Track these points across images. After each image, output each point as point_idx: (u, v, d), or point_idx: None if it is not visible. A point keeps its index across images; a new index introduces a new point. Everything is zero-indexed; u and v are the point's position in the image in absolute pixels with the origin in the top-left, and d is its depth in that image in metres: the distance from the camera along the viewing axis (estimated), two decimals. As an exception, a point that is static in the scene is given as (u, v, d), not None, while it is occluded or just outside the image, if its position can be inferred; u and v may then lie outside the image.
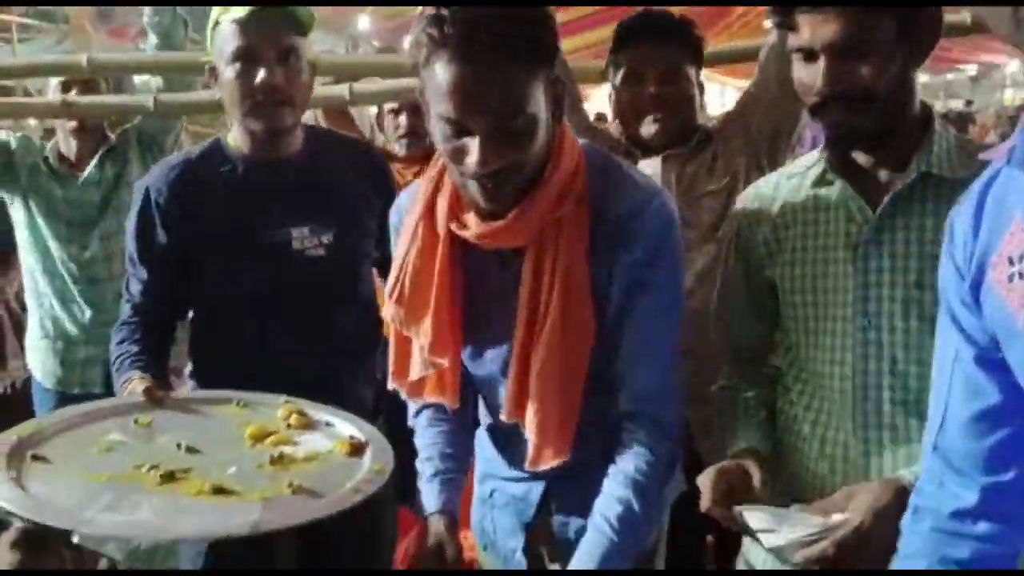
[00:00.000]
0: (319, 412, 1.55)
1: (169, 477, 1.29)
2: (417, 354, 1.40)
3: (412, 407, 1.53)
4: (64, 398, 2.63)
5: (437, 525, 1.39)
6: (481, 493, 1.61)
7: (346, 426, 1.50)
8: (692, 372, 1.53)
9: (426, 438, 1.51)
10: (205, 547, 1.69)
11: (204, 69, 1.78)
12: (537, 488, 1.50)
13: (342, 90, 2.42)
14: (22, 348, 2.93)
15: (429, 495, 1.44)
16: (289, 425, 1.50)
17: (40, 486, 1.24)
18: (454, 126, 1.22)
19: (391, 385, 1.48)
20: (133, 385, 1.63)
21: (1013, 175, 0.91)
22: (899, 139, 1.32)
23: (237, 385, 1.63)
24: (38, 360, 2.75)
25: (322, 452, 1.42)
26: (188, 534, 1.21)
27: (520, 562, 1.53)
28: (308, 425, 1.51)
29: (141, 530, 1.18)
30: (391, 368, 1.47)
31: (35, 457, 1.30)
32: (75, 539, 1.16)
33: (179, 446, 1.40)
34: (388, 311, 1.42)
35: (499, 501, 1.56)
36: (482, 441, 1.58)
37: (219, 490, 1.26)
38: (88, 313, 2.65)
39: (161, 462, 1.32)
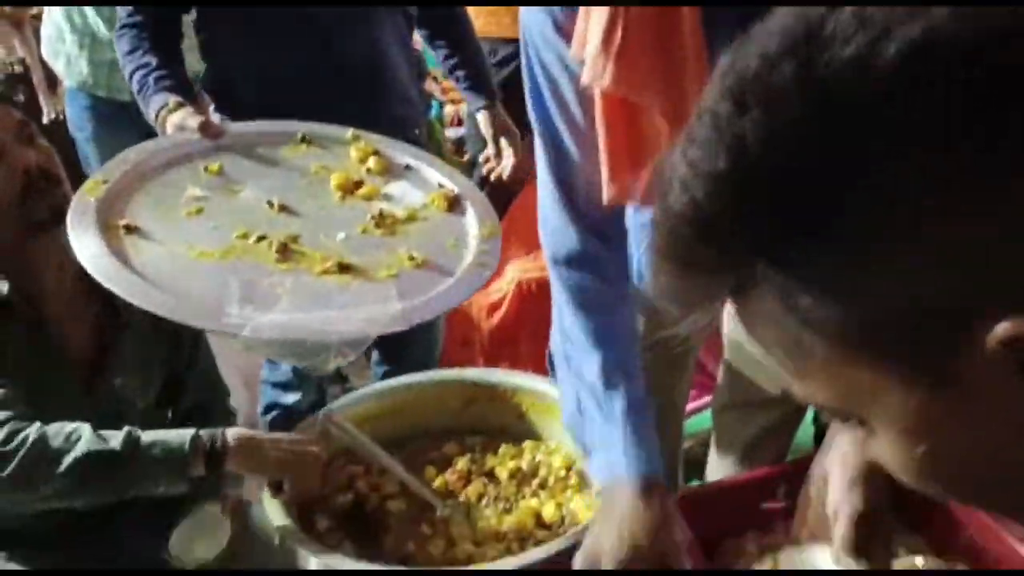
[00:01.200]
0: (390, 149, 1.51)
1: (284, 250, 1.25)
2: None
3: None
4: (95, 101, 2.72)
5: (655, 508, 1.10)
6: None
7: (427, 170, 1.49)
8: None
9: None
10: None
11: None
12: None
13: None
14: None
15: (621, 444, 1.13)
16: (369, 170, 1.47)
17: (153, 270, 1.20)
18: None
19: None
20: (179, 117, 1.59)
21: None
22: None
23: (269, 84, 1.58)
24: (64, 60, 2.77)
25: (420, 209, 1.39)
26: (349, 332, 1.20)
27: None
28: (388, 169, 1.48)
29: (303, 331, 1.17)
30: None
31: (127, 229, 1.25)
32: (244, 333, 1.16)
33: (271, 205, 1.36)
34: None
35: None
36: None
37: (344, 267, 1.25)
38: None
39: (263, 229, 1.28)
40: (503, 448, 1.71)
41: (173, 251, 1.27)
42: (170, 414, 1.71)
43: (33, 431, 1.34)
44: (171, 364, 1.64)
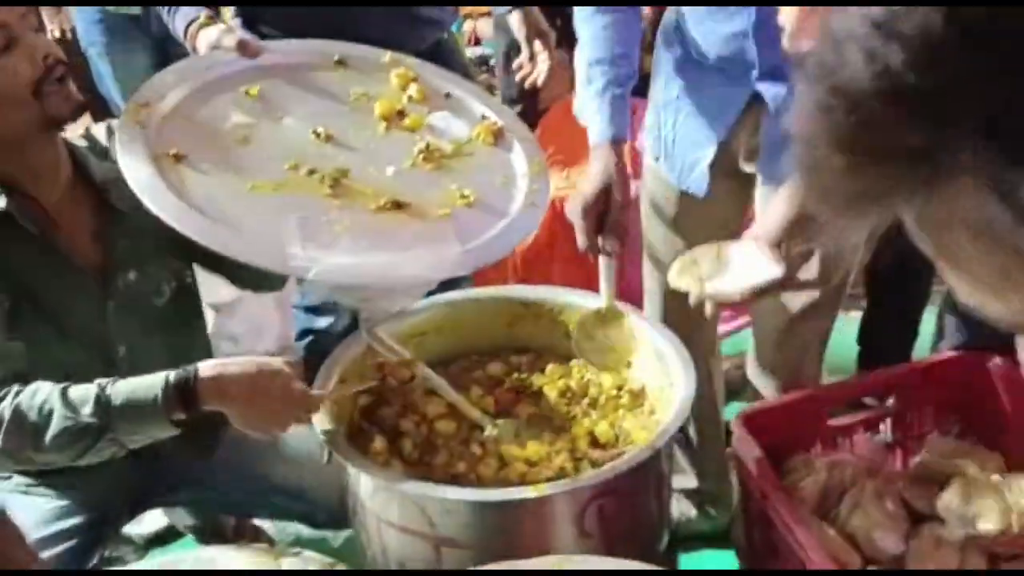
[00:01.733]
0: (430, 75, 1.50)
1: (336, 184, 1.23)
2: None
3: None
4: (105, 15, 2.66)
5: (609, 157, 1.37)
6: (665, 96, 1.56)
7: (469, 99, 1.48)
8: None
9: (591, 30, 1.42)
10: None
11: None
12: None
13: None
14: None
15: (595, 114, 1.39)
16: (411, 98, 1.46)
17: (209, 203, 1.15)
18: None
19: None
20: (213, 35, 1.54)
21: None
22: None
23: None
24: None
25: (465, 143, 1.39)
26: (415, 277, 1.21)
27: (704, 174, 1.54)
28: (429, 98, 1.47)
29: (370, 275, 1.16)
30: None
31: (177, 158, 1.20)
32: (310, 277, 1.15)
33: (317, 135, 1.33)
34: None
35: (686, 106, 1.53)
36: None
37: (398, 204, 1.24)
38: None
39: (313, 161, 1.26)
40: (550, 367, 1.65)
41: (226, 183, 1.21)
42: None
43: (7, 408, 1.28)
44: (180, 258, 1.58)
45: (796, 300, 1.57)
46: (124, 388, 1.32)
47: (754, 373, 1.77)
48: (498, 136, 1.47)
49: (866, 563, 1.25)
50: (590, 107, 1.42)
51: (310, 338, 2.25)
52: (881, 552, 1.26)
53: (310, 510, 1.69)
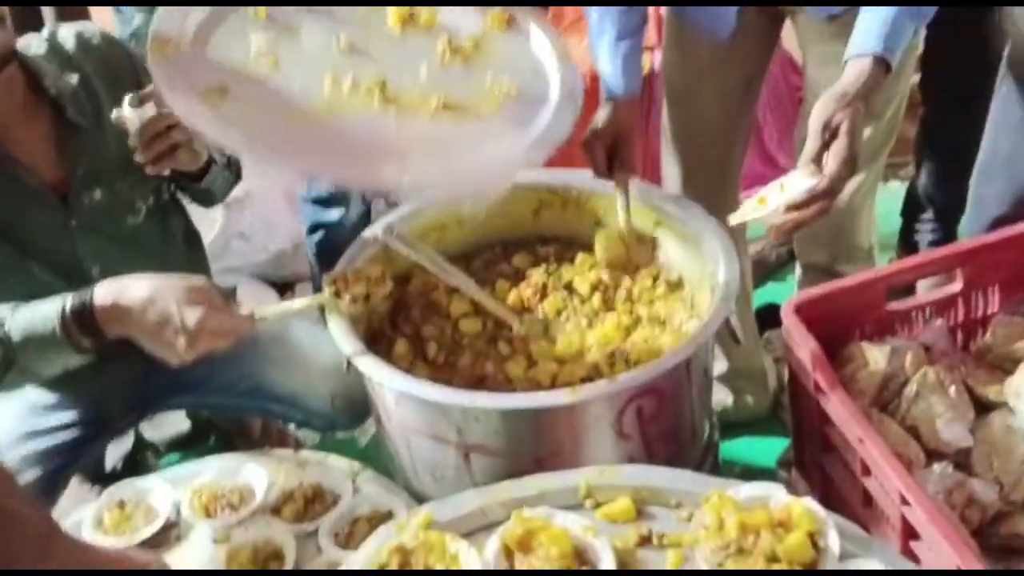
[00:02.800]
0: None
1: (383, 91, 1.19)
2: None
3: None
4: None
5: (619, 111, 1.42)
6: None
7: None
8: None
9: None
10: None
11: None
12: None
13: None
14: None
15: (607, 64, 1.43)
16: None
17: (276, 134, 1.09)
18: None
19: None
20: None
21: None
22: None
23: None
24: None
25: (482, 36, 1.34)
26: (502, 175, 1.20)
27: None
28: None
29: (463, 179, 1.13)
30: None
31: (220, 93, 1.12)
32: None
33: (338, 43, 1.25)
34: None
35: None
36: None
37: (448, 106, 1.21)
38: None
39: (346, 74, 1.19)
40: (580, 257, 1.54)
41: (279, 110, 1.13)
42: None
43: None
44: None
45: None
46: (22, 319, 1.24)
47: (802, 248, 1.65)
48: (511, 23, 1.37)
49: (929, 457, 1.16)
50: (602, 57, 1.44)
51: (321, 232, 2.14)
52: (946, 444, 1.16)
53: (305, 417, 1.64)
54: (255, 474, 1.40)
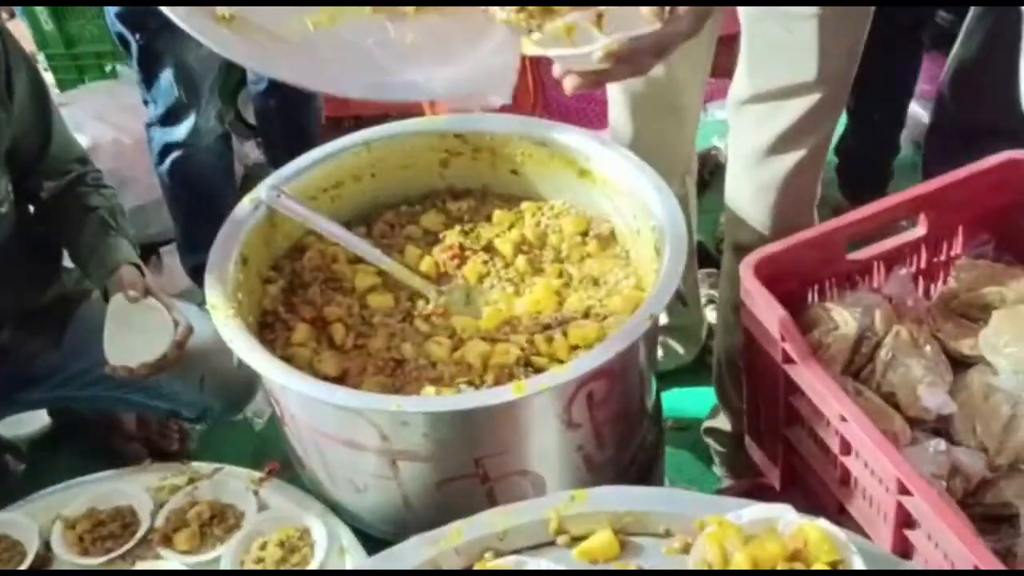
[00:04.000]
0: None
1: None
2: None
3: None
4: None
5: None
6: None
7: None
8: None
9: None
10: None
11: None
12: None
13: None
14: None
15: None
16: None
17: (298, 53, 0.91)
18: None
19: None
20: None
21: None
22: None
23: None
24: None
25: None
26: (514, 70, 0.92)
27: None
28: None
29: (484, 77, 0.91)
30: None
31: (226, 20, 0.91)
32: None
33: None
34: None
35: None
36: None
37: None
38: None
39: None
40: (497, 214, 1.36)
41: (287, 31, 0.90)
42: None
43: None
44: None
45: (781, 116, 1.28)
46: None
47: (731, 227, 1.47)
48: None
49: (912, 426, 1.06)
50: None
51: (174, 155, 1.87)
52: (927, 411, 1.06)
53: (171, 406, 1.44)
54: (136, 495, 1.19)
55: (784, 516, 0.74)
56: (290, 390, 1.04)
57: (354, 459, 1.08)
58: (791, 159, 1.32)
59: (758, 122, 1.32)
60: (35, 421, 1.75)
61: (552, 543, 0.79)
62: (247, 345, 1.06)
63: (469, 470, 1.06)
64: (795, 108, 1.28)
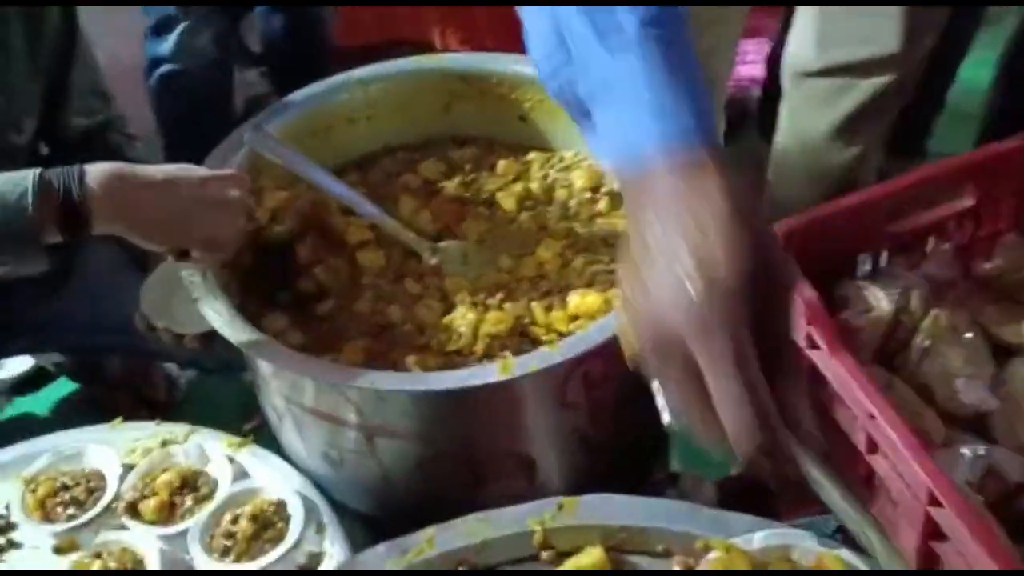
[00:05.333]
0: None
1: None
2: None
3: None
4: None
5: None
6: None
7: None
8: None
9: None
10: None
11: None
12: None
13: None
14: None
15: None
16: None
17: None
18: None
19: None
20: None
21: None
22: None
23: None
24: None
25: None
26: None
27: None
28: None
29: None
30: None
31: None
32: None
33: None
34: None
35: None
36: None
37: None
38: None
39: None
40: (502, 164, 1.25)
41: None
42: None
43: None
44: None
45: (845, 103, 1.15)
46: None
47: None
48: None
49: (946, 422, 0.95)
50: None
51: (161, 70, 1.76)
52: (963, 407, 0.95)
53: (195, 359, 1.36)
54: (104, 457, 1.11)
55: (801, 544, 0.65)
56: (261, 364, 0.96)
57: (330, 432, 0.99)
58: (855, 147, 1.19)
59: (825, 100, 1.19)
60: (17, 364, 1.68)
61: (535, 557, 0.70)
62: (213, 304, 0.97)
63: (454, 450, 0.97)
64: (867, 88, 1.16)
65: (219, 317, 0.95)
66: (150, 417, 1.16)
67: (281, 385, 0.99)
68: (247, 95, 2.21)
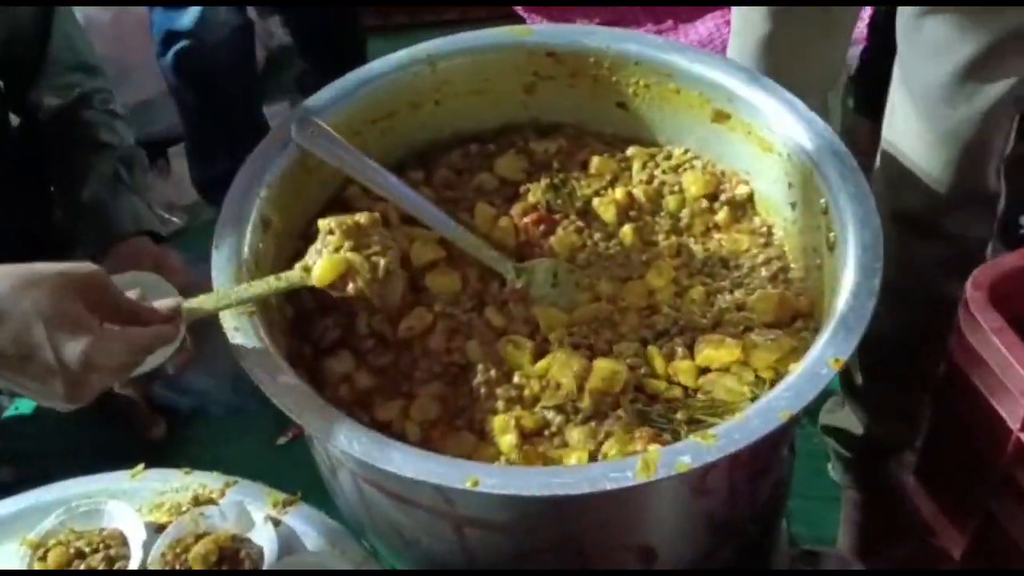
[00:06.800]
0: None
1: None
2: None
3: None
4: None
5: None
6: None
7: None
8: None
9: None
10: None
11: None
12: None
13: None
14: None
15: None
16: None
17: None
18: None
19: None
20: None
21: None
22: None
23: None
24: None
25: None
26: None
27: None
28: None
29: None
30: None
31: None
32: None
33: None
34: None
35: None
36: None
37: None
38: None
39: None
40: (596, 161, 1.03)
41: None
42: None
43: None
44: None
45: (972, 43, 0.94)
46: None
47: (886, 188, 1.11)
48: None
49: None
50: None
51: (179, 46, 1.52)
52: None
53: (198, 404, 1.19)
54: (125, 517, 0.93)
55: None
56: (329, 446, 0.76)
57: (406, 514, 0.81)
58: (989, 95, 0.97)
59: (947, 42, 0.97)
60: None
61: None
62: (262, 362, 0.77)
63: (558, 544, 0.78)
64: (1000, 23, 0.94)
65: (268, 382, 0.75)
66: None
67: (353, 465, 0.80)
68: (268, 46, 1.98)
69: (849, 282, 0.79)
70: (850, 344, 0.74)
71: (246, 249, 0.87)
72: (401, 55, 1.01)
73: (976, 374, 0.77)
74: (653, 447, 0.74)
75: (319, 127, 0.94)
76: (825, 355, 0.74)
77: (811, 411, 1.38)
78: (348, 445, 0.71)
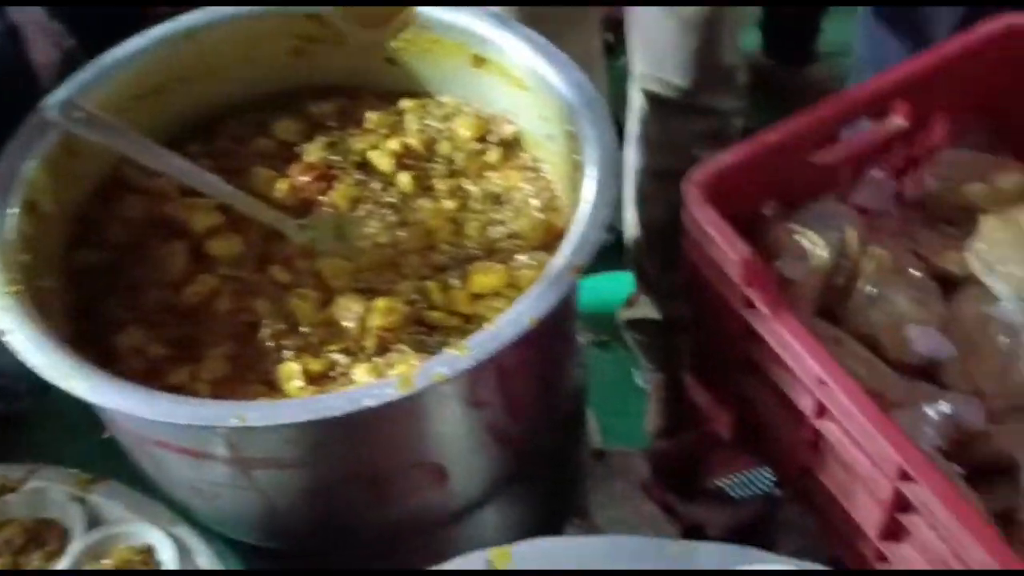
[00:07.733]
0: None
1: None
2: None
3: None
4: None
5: None
6: None
7: None
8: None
9: None
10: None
11: None
12: None
13: None
14: None
15: None
16: None
17: None
18: None
19: None
20: None
21: None
22: None
23: None
24: None
25: None
26: None
27: None
28: None
29: None
30: None
31: None
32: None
33: None
34: None
35: None
36: None
37: None
38: None
39: None
40: (371, 117, 1.07)
41: None
42: None
43: None
44: None
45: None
46: None
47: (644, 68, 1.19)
48: None
49: (892, 367, 0.86)
50: None
51: None
52: (916, 355, 0.86)
53: None
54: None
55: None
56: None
57: (194, 468, 0.83)
58: None
59: None
60: None
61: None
62: (27, 337, 0.78)
63: (349, 471, 0.82)
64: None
65: (33, 354, 0.76)
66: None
67: (131, 426, 0.82)
68: (62, 46, 1.90)
69: (590, 196, 0.85)
70: (589, 252, 0.80)
71: (11, 233, 0.87)
72: (159, 30, 1.02)
73: (703, 266, 0.85)
74: (412, 362, 0.78)
75: (80, 108, 0.94)
76: (570, 263, 0.80)
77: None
78: (115, 401, 0.73)
